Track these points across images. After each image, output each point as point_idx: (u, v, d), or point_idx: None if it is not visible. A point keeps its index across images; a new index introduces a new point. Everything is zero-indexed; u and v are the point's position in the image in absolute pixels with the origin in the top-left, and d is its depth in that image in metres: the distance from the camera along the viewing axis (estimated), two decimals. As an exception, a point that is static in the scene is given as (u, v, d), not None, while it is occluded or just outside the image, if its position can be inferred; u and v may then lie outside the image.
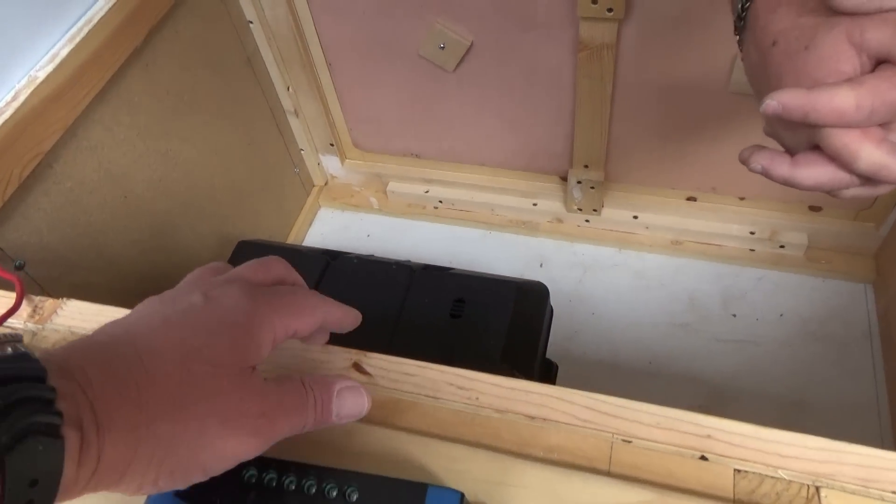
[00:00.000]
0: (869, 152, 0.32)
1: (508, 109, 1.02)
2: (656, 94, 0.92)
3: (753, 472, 0.33)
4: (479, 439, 0.36)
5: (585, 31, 0.85)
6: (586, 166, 1.04)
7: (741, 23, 0.39)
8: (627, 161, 1.04)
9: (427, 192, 1.19)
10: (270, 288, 0.34)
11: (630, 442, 0.35)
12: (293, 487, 0.32)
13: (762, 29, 0.37)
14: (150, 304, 0.32)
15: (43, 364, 0.26)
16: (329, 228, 1.25)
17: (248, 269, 0.35)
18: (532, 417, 0.36)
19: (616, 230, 1.13)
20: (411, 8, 0.92)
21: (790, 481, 0.33)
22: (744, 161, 0.38)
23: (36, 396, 0.24)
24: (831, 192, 0.36)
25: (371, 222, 1.24)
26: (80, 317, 0.45)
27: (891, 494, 0.32)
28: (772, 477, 0.33)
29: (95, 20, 0.71)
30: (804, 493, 0.33)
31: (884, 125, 0.33)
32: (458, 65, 0.97)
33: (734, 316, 1.03)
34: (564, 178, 1.09)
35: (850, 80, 0.32)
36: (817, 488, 0.33)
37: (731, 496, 0.33)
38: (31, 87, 0.65)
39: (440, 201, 1.20)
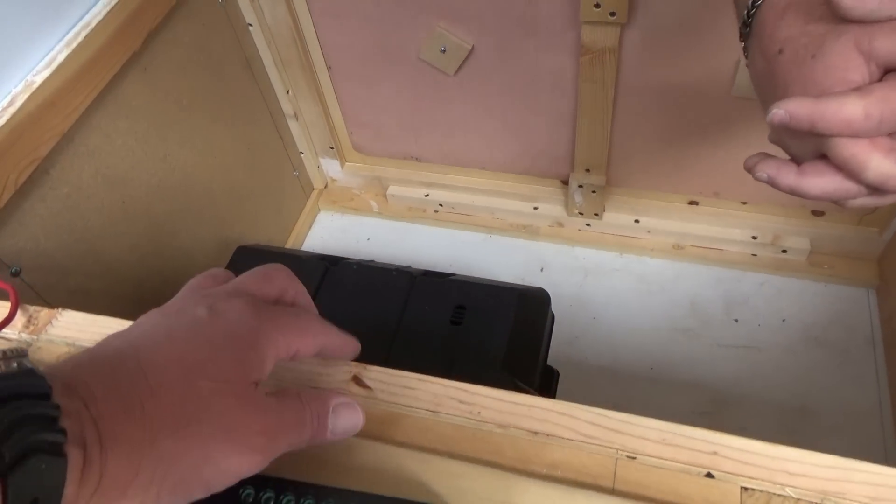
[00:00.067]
0: (877, 163, 0.32)
1: (509, 113, 1.01)
2: (658, 98, 0.91)
3: (760, 490, 0.33)
4: (481, 455, 0.35)
5: (587, 36, 0.84)
6: (588, 170, 1.03)
7: (747, 30, 0.39)
8: (629, 165, 1.03)
9: (427, 195, 1.19)
10: (275, 306, 0.34)
11: (635, 458, 0.34)
12: (291, 506, 0.32)
13: (768, 36, 0.36)
14: (153, 317, 0.32)
15: (48, 381, 0.26)
16: (329, 232, 1.24)
17: (252, 280, 0.35)
18: (535, 433, 0.36)
19: (617, 234, 1.12)
20: (412, 11, 0.91)
21: (798, 499, 0.32)
22: (749, 169, 0.38)
23: (40, 414, 0.25)
24: (838, 202, 0.35)
25: (371, 226, 1.24)
26: (76, 327, 0.44)
27: (901, 513, 0.31)
28: (779, 495, 0.33)
29: (93, 24, 0.70)
30: (812, 511, 0.32)
31: (892, 135, 0.32)
32: (459, 68, 0.96)
33: (736, 321, 1.03)
34: (566, 182, 1.09)
35: (858, 89, 0.32)
36: (826, 507, 0.32)
37: (738, 514, 0.32)
38: (28, 93, 0.64)
39: (440, 205, 1.19)
